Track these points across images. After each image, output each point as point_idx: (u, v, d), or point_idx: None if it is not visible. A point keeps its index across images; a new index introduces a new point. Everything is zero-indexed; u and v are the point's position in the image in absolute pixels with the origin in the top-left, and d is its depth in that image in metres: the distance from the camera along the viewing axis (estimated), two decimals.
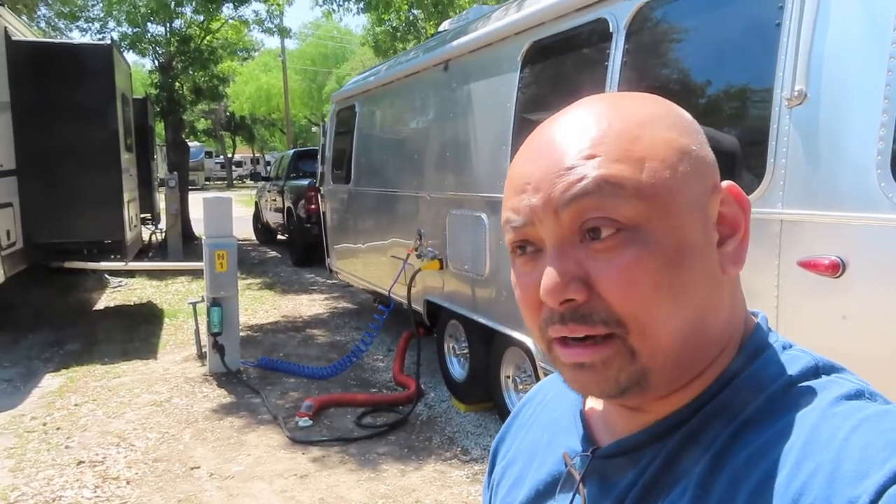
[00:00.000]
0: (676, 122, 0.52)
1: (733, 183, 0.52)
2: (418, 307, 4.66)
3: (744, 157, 2.20)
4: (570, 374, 0.51)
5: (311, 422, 4.03)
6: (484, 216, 3.75)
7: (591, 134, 0.49)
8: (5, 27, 5.93)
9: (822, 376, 0.49)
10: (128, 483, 3.35)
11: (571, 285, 0.48)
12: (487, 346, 4.02)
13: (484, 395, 4.18)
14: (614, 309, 0.48)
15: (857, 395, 0.47)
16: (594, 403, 0.61)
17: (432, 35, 6.01)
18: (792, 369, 0.50)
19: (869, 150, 1.79)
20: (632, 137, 0.49)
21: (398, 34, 13.21)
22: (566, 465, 0.58)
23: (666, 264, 0.47)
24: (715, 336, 0.51)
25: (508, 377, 3.90)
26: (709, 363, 0.51)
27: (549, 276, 0.48)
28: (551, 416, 0.65)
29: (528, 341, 3.36)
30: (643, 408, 0.53)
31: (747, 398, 0.49)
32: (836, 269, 1.83)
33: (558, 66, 3.32)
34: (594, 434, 0.58)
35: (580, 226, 0.48)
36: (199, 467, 3.50)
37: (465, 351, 4.35)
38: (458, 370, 4.49)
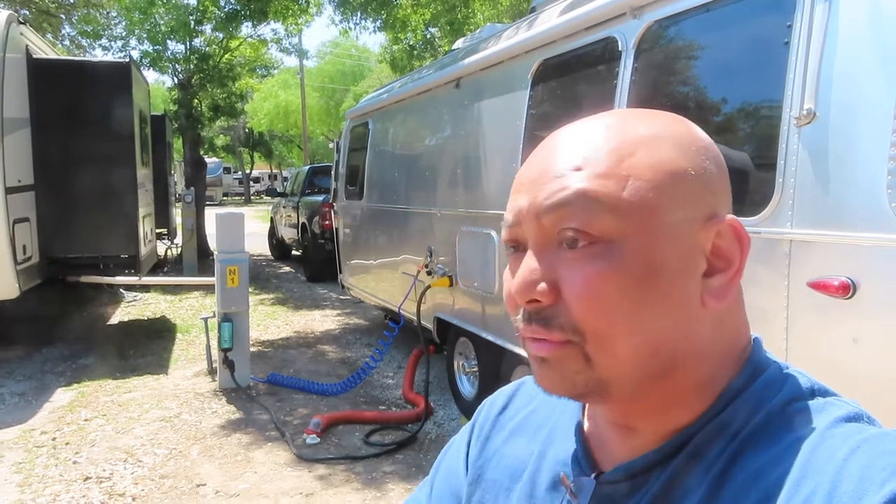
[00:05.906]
0: (682, 144, 0.51)
1: (735, 218, 0.51)
2: (428, 324, 4.64)
3: (753, 176, 2.17)
4: (535, 368, 0.52)
5: (318, 439, 4.01)
6: (494, 233, 3.73)
7: (586, 146, 0.50)
8: (27, 45, 6.06)
9: (818, 398, 0.50)
10: (133, 500, 3.34)
11: (539, 286, 0.49)
12: (497, 363, 3.98)
13: None
14: (574, 317, 0.48)
15: (856, 417, 0.47)
16: (588, 419, 0.59)
17: (446, 53, 6.04)
18: (789, 388, 0.50)
19: (879, 170, 1.75)
20: (624, 154, 0.49)
21: (415, 52, 13.30)
22: (565, 489, 0.56)
23: (632, 283, 0.47)
24: (690, 364, 0.50)
25: None
26: (688, 387, 0.51)
27: (521, 274, 0.50)
28: (541, 425, 0.63)
29: None
30: (634, 426, 0.53)
31: (747, 417, 0.49)
32: (847, 290, 1.78)
33: (568, 84, 3.31)
34: (592, 453, 0.57)
35: (558, 233, 0.49)
36: (205, 484, 3.49)
37: (474, 369, 4.32)
38: (467, 388, 4.46)
